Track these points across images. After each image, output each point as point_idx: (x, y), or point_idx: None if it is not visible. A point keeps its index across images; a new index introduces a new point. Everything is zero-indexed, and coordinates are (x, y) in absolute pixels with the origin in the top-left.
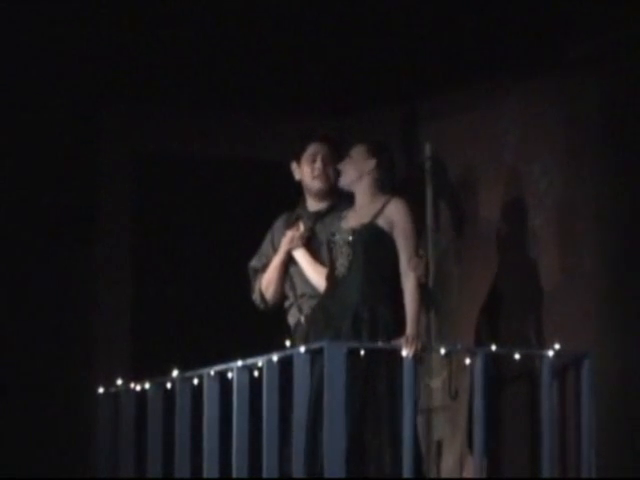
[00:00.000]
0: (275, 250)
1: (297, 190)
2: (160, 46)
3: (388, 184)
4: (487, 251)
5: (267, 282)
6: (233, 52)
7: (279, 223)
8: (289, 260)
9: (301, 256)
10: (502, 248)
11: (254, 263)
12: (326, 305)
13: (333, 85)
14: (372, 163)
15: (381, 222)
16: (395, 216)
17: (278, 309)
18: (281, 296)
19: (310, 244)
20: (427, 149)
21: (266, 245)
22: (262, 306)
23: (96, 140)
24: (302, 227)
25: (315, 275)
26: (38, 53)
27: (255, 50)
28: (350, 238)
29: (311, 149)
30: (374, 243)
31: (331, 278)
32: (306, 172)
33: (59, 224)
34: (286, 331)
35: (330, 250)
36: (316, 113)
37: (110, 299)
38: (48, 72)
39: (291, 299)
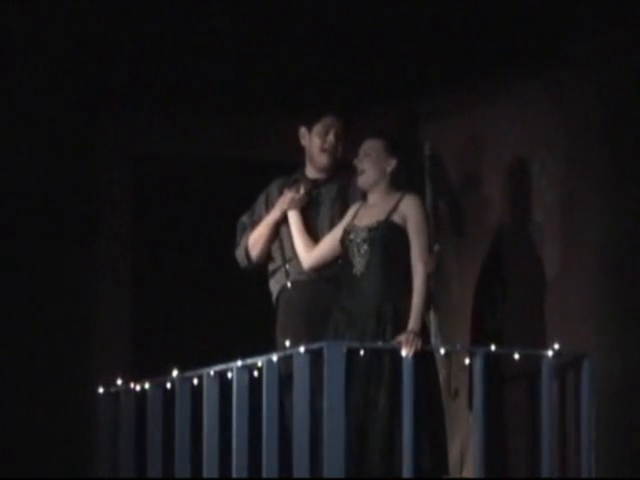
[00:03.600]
0: (269, 210)
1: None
2: (158, 48)
3: (401, 180)
4: (487, 250)
5: (256, 238)
6: (231, 52)
7: (274, 185)
8: (282, 220)
9: (294, 221)
10: (502, 247)
11: (244, 219)
12: (346, 305)
13: (333, 85)
14: (394, 163)
15: (396, 218)
16: (408, 211)
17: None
18: (266, 256)
19: (306, 211)
20: (427, 149)
21: (260, 204)
22: (244, 263)
23: (95, 141)
24: (302, 190)
25: (301, 246)
26: (37, 57)
27: (254, 50)
28: (367, 235)
29: (326, 120)
30: (391, 239)
31: (348, 277)
32: (315, 143)
33: (59, 224)
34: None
35: (346, 249)
36: (316, 113)
37: (110, 299)
38: (47, 75)
39: (278, 262)
